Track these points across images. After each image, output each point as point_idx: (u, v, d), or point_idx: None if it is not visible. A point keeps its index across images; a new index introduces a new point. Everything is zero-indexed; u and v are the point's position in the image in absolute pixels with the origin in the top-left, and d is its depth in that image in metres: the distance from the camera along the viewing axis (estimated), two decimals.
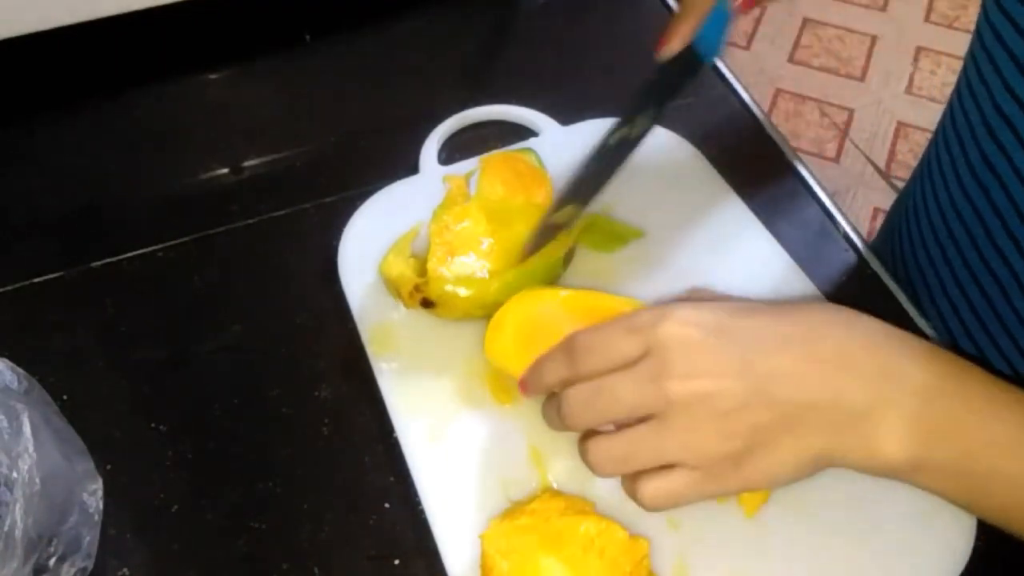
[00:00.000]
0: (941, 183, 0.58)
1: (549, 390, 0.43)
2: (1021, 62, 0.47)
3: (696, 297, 0.52)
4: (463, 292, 0.48)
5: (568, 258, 0.52)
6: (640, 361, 0.39)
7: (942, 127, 0.59)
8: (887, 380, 0.38)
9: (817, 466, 0.39)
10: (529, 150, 0.56)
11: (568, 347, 0.41)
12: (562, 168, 0.57)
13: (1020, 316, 0.53)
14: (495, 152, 0.56)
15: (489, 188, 0.54)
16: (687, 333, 0.39)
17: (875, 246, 0.63)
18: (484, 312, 0.49)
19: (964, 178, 0.55)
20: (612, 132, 0.50)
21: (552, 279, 0.51)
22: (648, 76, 0.49)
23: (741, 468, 0.38)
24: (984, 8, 0.51)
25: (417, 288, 0.48)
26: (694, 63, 0.49)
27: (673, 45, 0.47)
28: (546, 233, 0.50)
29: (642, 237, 0.55)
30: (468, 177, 0.55)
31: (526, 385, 0.44)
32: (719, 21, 0.48)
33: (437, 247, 0.50)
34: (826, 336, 0.39)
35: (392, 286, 0.50)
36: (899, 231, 0.65)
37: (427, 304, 0.49)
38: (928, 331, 0.54)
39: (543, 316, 0.48)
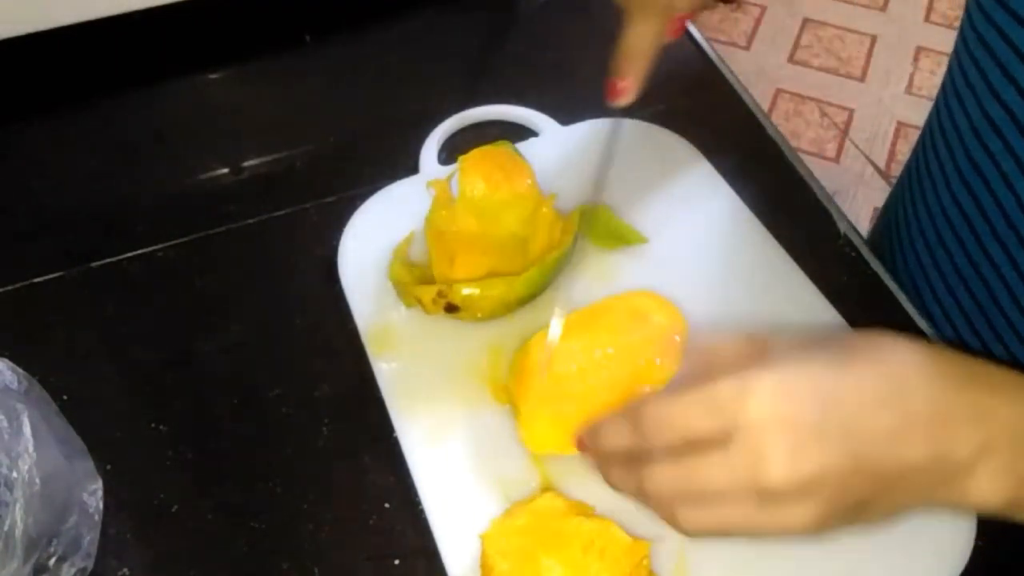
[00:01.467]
0: (930, 186, 0.58)
1: (610, 456, 0.40)
2: (1006, 66, 0.47)
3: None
4: (490, 294, 0.48)
5: (573, 248, 0.52)
6: (731, 445, 0.35)
7: (928, 131, 0.59)
8: (982, 422, 0.36)
9: (901, 516, 0.37)
10: (505, 142, 0.56)
11: (636, 418, 0.38)
12: (561, 168, 0.57)
13: (1011, 322, 0.53)
14: (473, 150, 0.55)
15: (470, 186, 0.54)
16: (781, 410, 0.35)
17: (871, 242, 0.63)
18: (508, 311, 0.49)
19: (952, 182, 0.55)
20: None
21: (564, 268, 0.51)
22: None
23: (824, 529, 0.36)
24: (968, 12, 0.51)
25: (440, 294, 0.48)
26: None
27: (628, 94, 0.47)
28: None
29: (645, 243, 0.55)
30: (449, 179, 0.54)
31: (584, 445, 0.42)
32: None
33: (437, 252, 0.50)
34: (917, 386, 0.36)
35: (408, 293, 0.50)
36: (892, 231, 0.65)
37: (451, 309, 0.48)
38: (928, 331, 0.54)
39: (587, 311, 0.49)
